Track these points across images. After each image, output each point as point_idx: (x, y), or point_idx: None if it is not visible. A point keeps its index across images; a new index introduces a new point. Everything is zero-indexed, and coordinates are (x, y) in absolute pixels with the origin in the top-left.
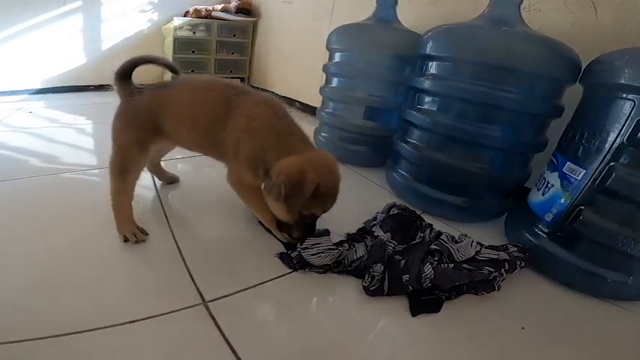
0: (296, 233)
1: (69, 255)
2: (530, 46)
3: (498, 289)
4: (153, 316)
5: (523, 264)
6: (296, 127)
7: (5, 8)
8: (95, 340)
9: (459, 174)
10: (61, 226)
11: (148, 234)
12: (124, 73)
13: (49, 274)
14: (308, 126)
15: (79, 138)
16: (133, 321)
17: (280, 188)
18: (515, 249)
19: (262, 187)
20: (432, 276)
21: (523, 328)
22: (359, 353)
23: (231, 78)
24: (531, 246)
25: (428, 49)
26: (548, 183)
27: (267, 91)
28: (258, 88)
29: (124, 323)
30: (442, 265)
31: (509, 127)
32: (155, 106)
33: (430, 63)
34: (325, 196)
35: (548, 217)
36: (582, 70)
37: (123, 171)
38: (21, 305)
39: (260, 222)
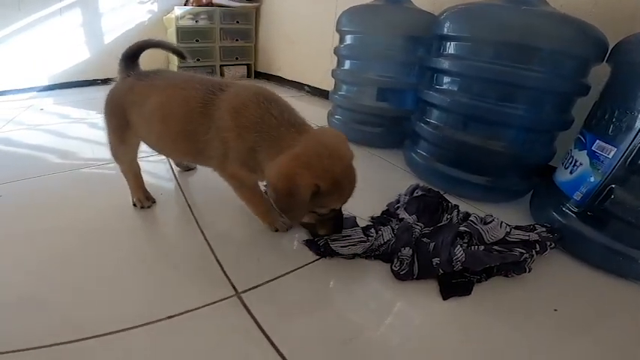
0: (323, 231)
1: (97, 252)
2: (554, 25)
3: (529, 271)
4: (190, 310)
5: (553, 245)
6: (286, 113)
7: (2, 6)
8: (135, 338)
9: (482, 153)
10: (86, 224)
11: (154, 200)
12: (129, 56)
13: (81, 273)
14: (319, 109)
15: (93, 132)
16: (172, 316)
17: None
18: (544, 229)
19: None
20: (463, 259)
21: (555, 310)
22: (393, 337)
23: (237, 65)
24: (560, 226)
25: (445, 29)
26: (576, 161)
27: (275, 76)
28: (265, 73)
29: (162, 319)
30: (472, 248)
31: (533, 105)
32: (127, 99)
33: (448, 43)
34: (338, 188)
35: (578, 196)
36: (610, 49)
37: (115, 155)
38: (55, 305)
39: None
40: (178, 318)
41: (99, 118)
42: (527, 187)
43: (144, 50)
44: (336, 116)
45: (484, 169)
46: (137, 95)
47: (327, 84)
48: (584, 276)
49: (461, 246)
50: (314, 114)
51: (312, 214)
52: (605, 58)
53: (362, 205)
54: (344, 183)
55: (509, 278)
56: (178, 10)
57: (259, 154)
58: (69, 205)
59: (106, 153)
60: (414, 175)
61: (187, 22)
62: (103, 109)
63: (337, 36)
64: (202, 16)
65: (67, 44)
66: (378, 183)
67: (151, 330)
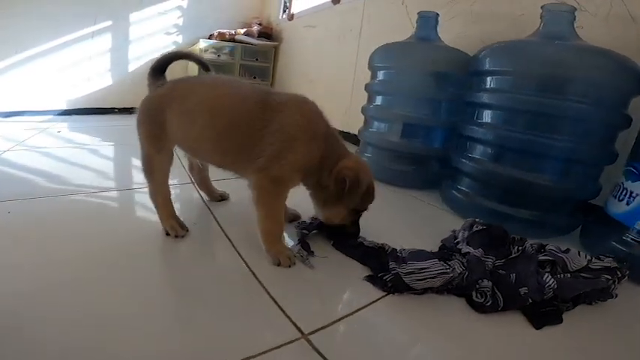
0: (351, 230)
1: (129, 285)
2: (595, 58)
3: (615, 297)
4: (253, 356)
5: (627, 272)
6: (335, 131)
7: (39, 25)
8: None
9: (528, 187)
10: (112, 253)
11: (187, 229)
12: (158, 68)
13: (112, 307)
14: None
15: (96, 160)
16: None
17: (344, 185)
18: (610, 259)
19: (312, 196)
20: (555, 286)
21: None
22: None
23: None
24: (624, 255)
25: (487, 65)
26: (631, 192)
27: None
28: None
29: None
30: (558, 276)
31: (577, 136)
32: (167, 99)
33: (490, 78)
34: (371, 193)
35: (639, 225)
36: None
37: (148, 169)
38: (83, 340)
39: (333, 241)
40: None
41: (108, 146)
42: (573, 223)
43: (172, 62)
44: (366, 154)
45: (530, 203)
46: (180, 92)
47: (344, 124)
48: None
49: (548, 274)
50: None
51: (350, 213)
52: None
53: (411, 241)
54: (373, 188)
55: (593, 306)
56: (203, 43)
57: (325, 162)
58: (87, 231)
59: (104, 181)
60: (454, 212)
61: (210, 56)
62: (137, 119)
63: (358, 78)
64: (224, 51)
65: (91, 69)
66: (419, 221)
67: None
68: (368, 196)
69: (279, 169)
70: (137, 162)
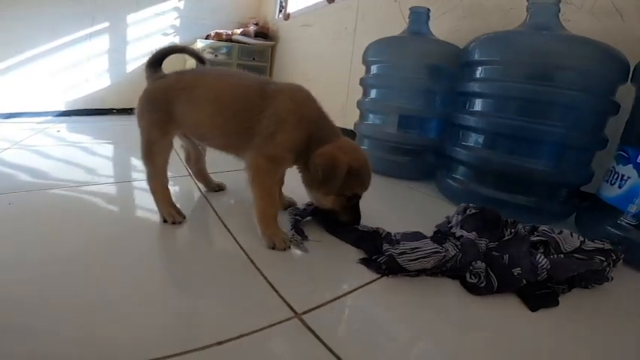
0: (345, 217)
1: (129, 270)
2: (581, 47)
3: (611, 280)
4: (247, 334)
5: (623, 255)
6: (328, 117)
7: (37, 27)
8: None
9: (521, 172)
10: (112, 240)
11: (185, 216)
12: (155, 62)
13: (111, 291)
14: None
15: (94, 157)
16: (222, 342)
17: (318, 174)
18: (604, 241)
19: (303, 180)
20: (548, 266)
21: None
22: (477, 355)
23: None
24: (619, 239)
25: (477, 55)
26: (622, 176)
27: None
28: None
29: (212, 345)
30: (552, 256)
31: (569, 122)
32: (173, 89)
33: (480, 68)
34: (361, 173)
35: (632, 209)
36: (631, 69)
37: (149, 154)
38: (82, 325)
39: (327, 226)
40: (230, 344)
41: (102, 145)
42: (568, 210)
43: (168, 55)
44: (362, 147)
45: (524, 189)
46: (187, 83)
47: (342, 121)
48: None
49: (541, 254)
50: None
51: (340, 199)
52: (629, 78)
53: (404, 229)
54: (365, 171)
55: (589, 289)
56: (200, 44)
57: (313, 144)
58: (86, 221)
59: (91, 177)
60: (450, 201)
61: (207, 56)
62: (138, 109)
63: (354, 74)
64: (222, 51)
65: (89, 70)
66: (415, 210)
67: (199, 357)
68: (355, 181)
69: (272, 148)
70: (135, 159)
